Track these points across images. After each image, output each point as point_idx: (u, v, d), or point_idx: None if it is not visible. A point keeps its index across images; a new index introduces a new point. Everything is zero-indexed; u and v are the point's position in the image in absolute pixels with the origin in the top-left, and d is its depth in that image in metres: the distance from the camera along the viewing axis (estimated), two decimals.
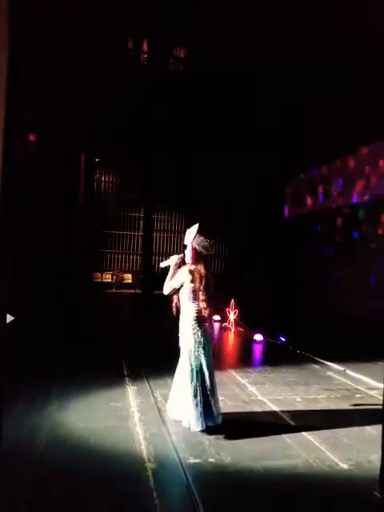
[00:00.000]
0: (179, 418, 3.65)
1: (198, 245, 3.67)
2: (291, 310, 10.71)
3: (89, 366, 5.38)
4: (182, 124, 13.40)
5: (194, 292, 3.59)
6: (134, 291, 16.29)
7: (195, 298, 3.59)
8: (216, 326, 9.43)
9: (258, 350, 7.21)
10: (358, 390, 5.01)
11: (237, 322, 8.95)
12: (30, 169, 9.27)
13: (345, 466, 3.11)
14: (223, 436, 3.51)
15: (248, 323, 8.76)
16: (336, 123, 10.68)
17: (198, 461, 3.08)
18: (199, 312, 3.59)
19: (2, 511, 2.23)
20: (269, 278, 13.13)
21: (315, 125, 11.68)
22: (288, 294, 12.11)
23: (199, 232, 3.70)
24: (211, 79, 11.80)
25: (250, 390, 4.78)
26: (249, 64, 10.59)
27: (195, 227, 3.71)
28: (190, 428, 3.52)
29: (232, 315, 8.95)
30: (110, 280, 17.13)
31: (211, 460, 3.11)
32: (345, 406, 4.40)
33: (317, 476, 3.00)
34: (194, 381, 3.52)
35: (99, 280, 16.76)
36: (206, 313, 3.59)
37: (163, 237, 17.34)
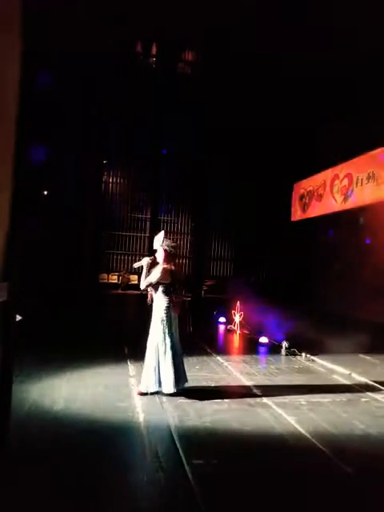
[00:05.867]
0: (150, 389, 4.35)
1: (167, 246, 4.53)
2: (297, 312, 10.67)
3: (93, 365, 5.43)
4: (190, 125, 13.45)
5: (166, 286, 4.44)
6: (139, 292, 16.32)
7: (166, 291, 4.44)
8: (221, 327, 9.45)
9: (263, 353, 7.20)
10: (363, 393, 4.99)
11: (242, 325, 8.95)
12: (40, 171, 9.37)
13: (349, 470, 3.10)
14: (227, 437, 3.53)
15: (253, 325, 8.75)
16: (346, 125, 10.65)
17: (200, 461, 3.10)
18: (170, 302, 4.44)
19: None
20: (275, 280, 13.11)
21: (326, 126, 11.64)
22: (294, 296, 12.08)
23: (166, 236, 4.62)
24: (220, 80, 11.82)
25: (255, 392, 4.79)
26: (258, 63, 10.56)
27: (162, 233, 4.65)
28: (149, 392, 4.32)
29: (237, 317, 8.95)
30: (116, 281, 17.20)
31: (214, 461, 3.13)
32: (350, 410, 4.38)
33: (320, 481, 3.00)
34: (161, 355, 4.33)
35: (106, 281, 16.84)
36: (177, 302, 4.50)
37: (170, 238, 17.37)
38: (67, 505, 2.57)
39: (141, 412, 3.97)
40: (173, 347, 4.38)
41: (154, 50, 12.83)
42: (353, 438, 3.68)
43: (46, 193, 11.93)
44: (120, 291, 16.66)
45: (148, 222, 16.62)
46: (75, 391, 4.47)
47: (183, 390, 4.45)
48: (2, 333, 1.54)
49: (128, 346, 6.84)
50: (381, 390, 5.13)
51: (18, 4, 1.50)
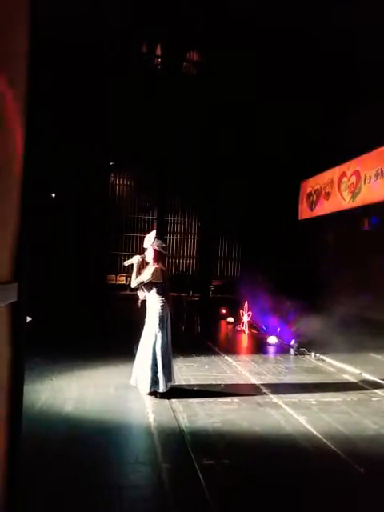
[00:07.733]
0: (136, 385, 4.40)
1: (158, 246, 4.55)
2: (306, 311, 10.63)
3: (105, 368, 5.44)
4: (196, 126, 13.44)
5: (158, 285, 4.46)
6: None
7: (159, 290, 4.47)
8: (230, 327, 9.42)
9: (272, 352, 7.17)
10: (374, 393, 4.94)
11: (250, 324, 8.92)
12: (47, 173, 9.43)
13: (362, 470, 3.07)
14: (237, 437, 3.51)
15: (262, 325, 8.71)
16: (352, 122, 10.54)
17: (211, 462, 3.09)
18: (164, 301, 4.48)
19: None
20: (283, 279, 13.04)
21: (331, 123, 11.54)
22: (303, 295, 12.00)
23: (157, 237, 4.61)
24: (224, 80, 11.79)
25: (265, 392, 4.76)
26: (259, 60, 10.52)
27: (153, 233, 4.66)
28: (140, 390, 4.38)
29: (246, 317, 8.92)
30: (124, 282, 17.23)
31: (225, 461, 3.12)
32: (361, 409, 4.34)
33: (332, 481, 2.97)
34: (153, 354, 4.36)
35: (114, 282, 16.89)
36: (168, 301, 4.55)
37: (176, 239, 17.38)
38: (76, 505, 2.58)
39: (150, 413, 3.97)
40: (166, 346, 4.42)
41: (158, 51, 12.85)
42: (364, 437, 3.65)
43: (53, 195, 12.02)
44: (128, 292, 16.71)
45: (155, 223, 16.65)
46: (85, 392, 4.49)
47: (171, 389, 4.42)
48: (12, 334, 1.55)
49: (137, 346, 6.84)
50: None
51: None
